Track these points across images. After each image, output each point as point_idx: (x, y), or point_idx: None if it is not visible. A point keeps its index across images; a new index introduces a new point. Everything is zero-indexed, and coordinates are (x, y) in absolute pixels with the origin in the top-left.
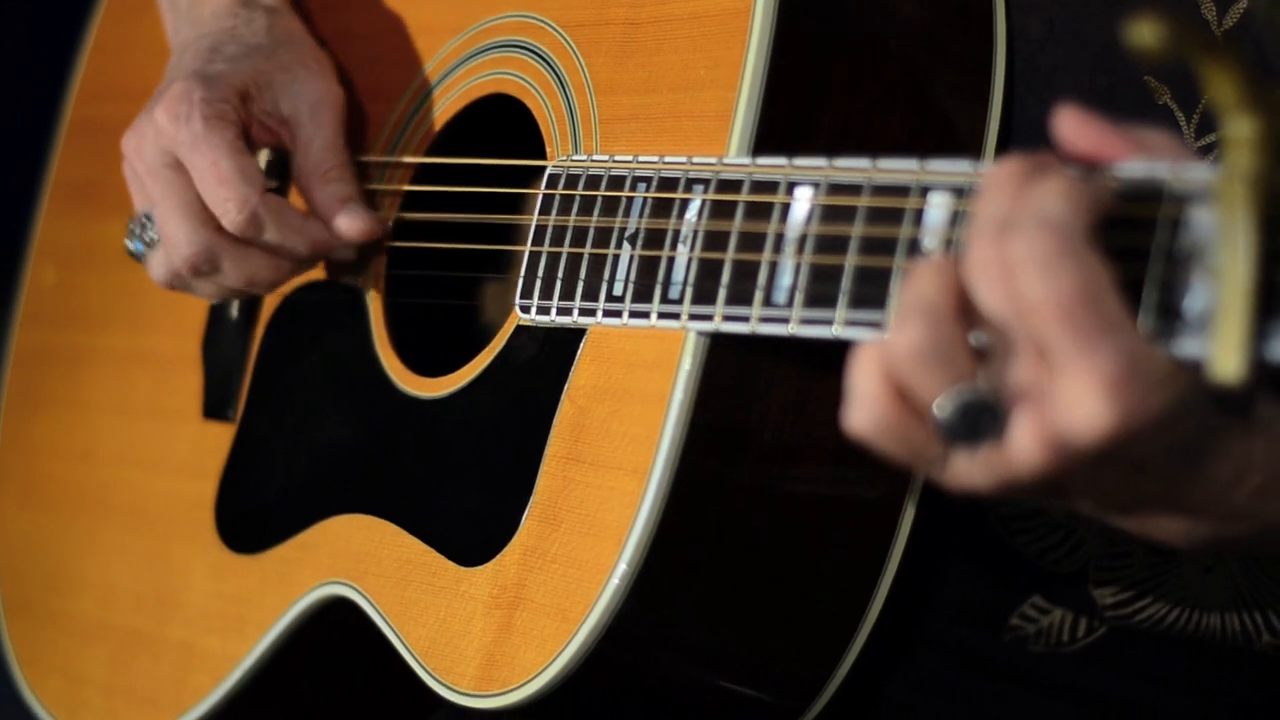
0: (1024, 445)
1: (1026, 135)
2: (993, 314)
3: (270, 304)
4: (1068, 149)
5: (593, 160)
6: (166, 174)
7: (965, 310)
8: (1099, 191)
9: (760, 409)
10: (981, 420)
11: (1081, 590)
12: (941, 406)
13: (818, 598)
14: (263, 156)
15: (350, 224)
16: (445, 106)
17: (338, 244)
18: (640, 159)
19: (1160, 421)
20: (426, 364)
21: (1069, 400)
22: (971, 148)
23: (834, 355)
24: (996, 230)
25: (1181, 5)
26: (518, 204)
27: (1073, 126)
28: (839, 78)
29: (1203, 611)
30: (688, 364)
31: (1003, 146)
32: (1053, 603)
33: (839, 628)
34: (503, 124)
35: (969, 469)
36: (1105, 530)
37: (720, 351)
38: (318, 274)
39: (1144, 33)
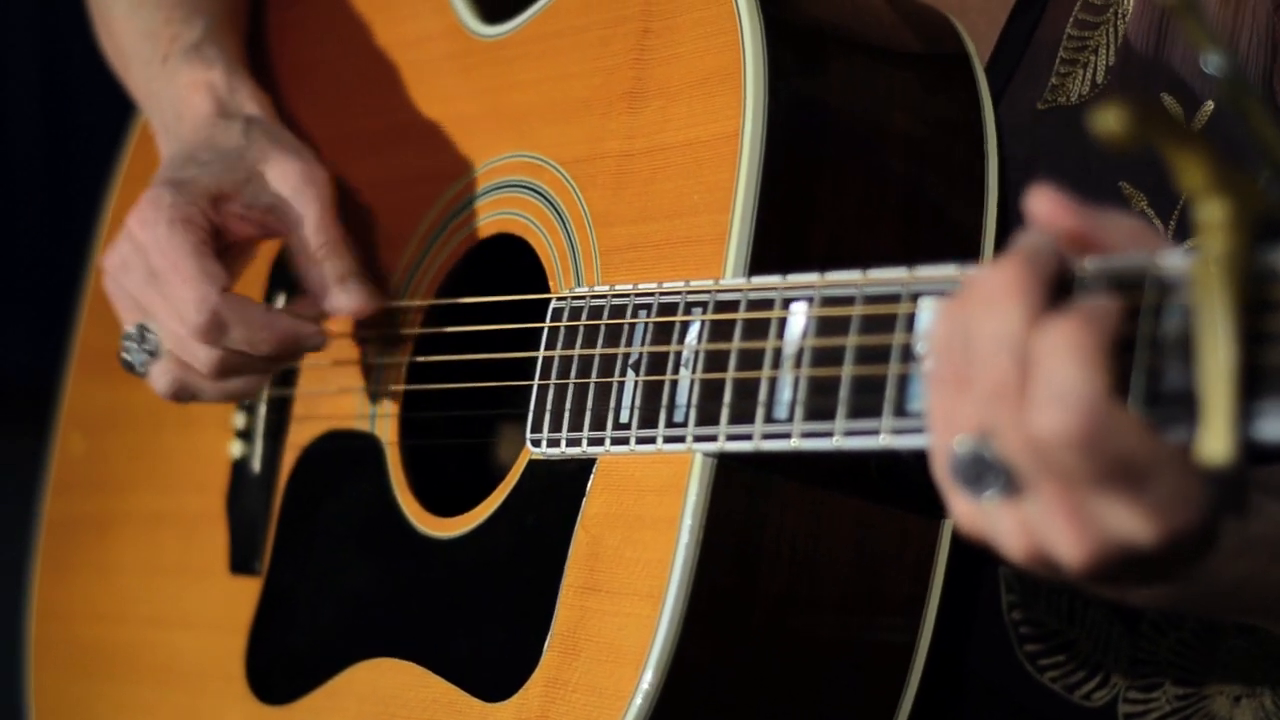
0: (1071, 550)
1: None
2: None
3: (291, 456)
4: (1042, 228)
5: (594, 292)
6: (146, 291)
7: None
8: (1117, 338)
9: (773, 527)
10: (987, 477)
11: None
12: (962, 443)
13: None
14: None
15: (345, 301)
16: (452, 249)
17: (307, 335)
18: (640, 287)
19: (1204, 526)
20: (446, 503)
21: (1120, 523)
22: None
23: (846, 472)
24: (1015, 368)
25: None
26: (527, 340)
27: (1047, 207)
28: (829, 195)
29: None
30: (696, 486)
31: None
32: None
33: None
34: (510, 263)
35: (1002, 540)
36: (1132, 663)
37: (728, 471)
38: (336, 423)
39: (1109, 120)
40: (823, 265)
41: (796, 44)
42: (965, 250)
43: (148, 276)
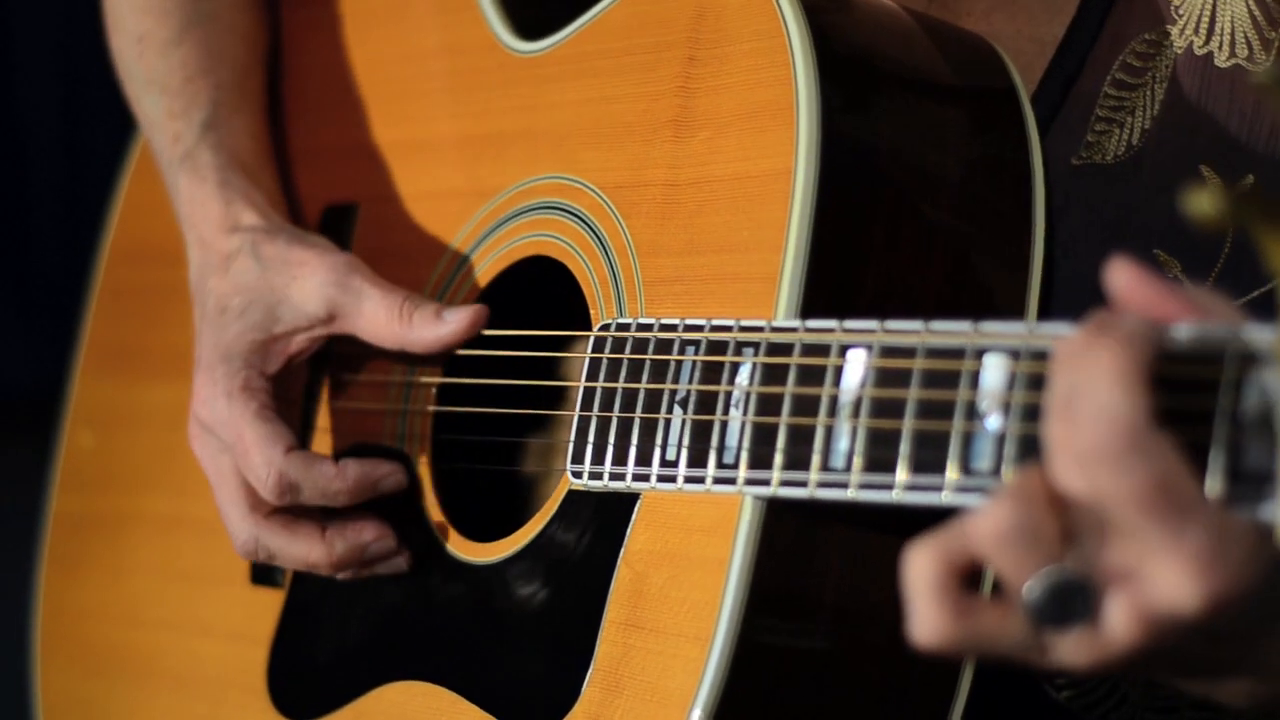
0: (1119, 624)
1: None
2: (1077, 497)
3: None
4: (1121, 302)
5: (639, 323)
6: (217, 464)
7: (1055, 493)
8: (1150, 362)
9: (820, 568)
10: (1072, 602)
11: None
12: (1031, 589)
13: None
14: None
15: (457, 328)
16: (485, 269)
17: (382, 476)
18: (687, 322)
19: (1249, 591)
20: (477, 527)
21: (1160, 580)
22: (1014, 304)
23: (895, 517)
24: (1063, 413)
25: (1189, 181)
26: (565, 368)
27: (1127, 281)
28: (881, 237)
29: None
30: (746, 529)
31: (1043, 307)
32: None
33: None
34: (544, 285)
35: (1063, 650)
36: (1150, 684)
37: (779, 515)
38: (364, 439)
39: (1203, 203)
40: (873, 307)
41: (849, 80)
42: (1012, 291)
43: (216, 452)
